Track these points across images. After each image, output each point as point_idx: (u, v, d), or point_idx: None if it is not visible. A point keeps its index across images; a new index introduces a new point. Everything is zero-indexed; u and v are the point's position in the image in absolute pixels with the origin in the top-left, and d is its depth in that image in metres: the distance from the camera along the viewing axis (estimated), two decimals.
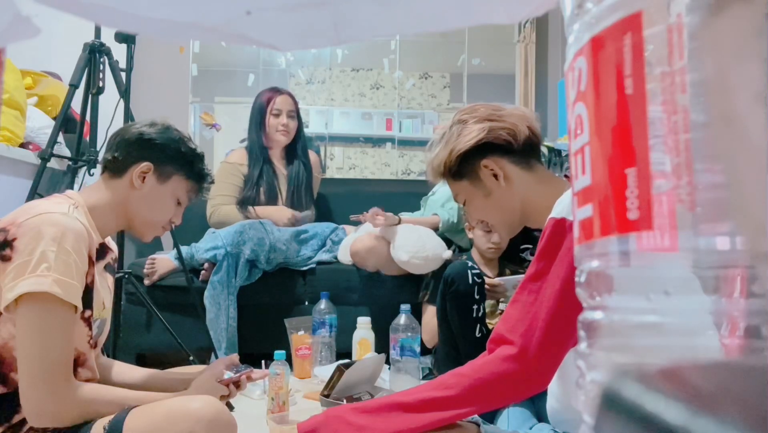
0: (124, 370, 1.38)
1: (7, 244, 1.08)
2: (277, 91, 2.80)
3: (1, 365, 1.11)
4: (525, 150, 1.19)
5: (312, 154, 2.95)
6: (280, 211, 2.68)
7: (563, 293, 0.91)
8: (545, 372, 0.95)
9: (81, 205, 1.22)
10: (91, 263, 1.17)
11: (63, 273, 1.07)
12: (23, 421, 1.11)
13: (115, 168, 1.27)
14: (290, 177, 2.78)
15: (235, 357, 1.39)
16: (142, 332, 2.42)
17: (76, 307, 1.11)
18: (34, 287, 1.05)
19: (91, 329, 1.21)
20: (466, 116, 1.21)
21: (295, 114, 2.79)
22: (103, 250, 1.29)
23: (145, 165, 1.26)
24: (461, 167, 1.21)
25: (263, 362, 1.94)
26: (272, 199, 2.72)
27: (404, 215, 2.66)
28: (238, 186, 2.72)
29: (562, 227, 0.94)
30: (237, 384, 1.30)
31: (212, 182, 1.41)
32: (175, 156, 1.30)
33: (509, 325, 0.95)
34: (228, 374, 1.30)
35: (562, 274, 0.91)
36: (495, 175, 1.19)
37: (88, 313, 1.18)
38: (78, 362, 1.19)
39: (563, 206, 0.95)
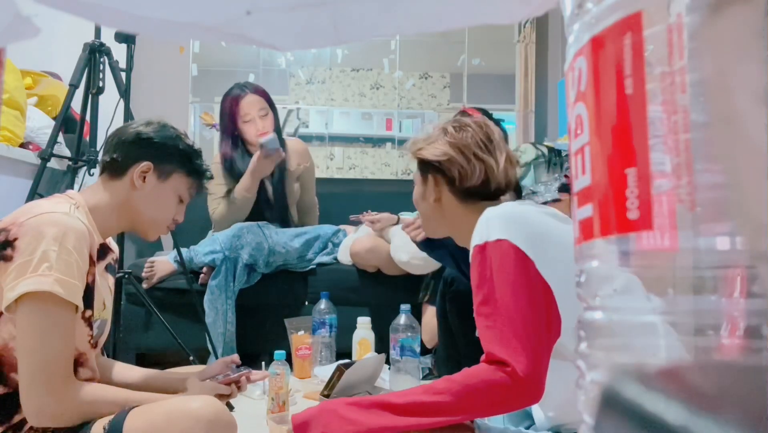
0: (124, 370, 1.38)
1: (9, 244, 1.08)
2: (241, 90, 2.51)
3: (2, 365, 1.11)
4: (470, 191, 1.24)
5: (297, 143, 2.76)
6: (253, 163, 2.44)
7: (522, 307, 0.98)
8: (538, 382, 0.98)
9: (82, 205, 1.22)
10: (92, 263, 1.17)
11: (64, 273, 1.07)
12: (23, 421, 1.11)
13: (114, 169, 1.27)
14: (273, 178, 2.62)
15: (235, 357, 1.39)
16: (142, 332, 2.42)
17: (76, 307, 1.11)
18: (35, 286, 1.05)
19: (91, 328, 1.21)
20: (451, 129, 1.26)
21: (268, 109, 2.52)
22: (104, 250, 1.29)
23: (144, 165, 1.26)
24: (419, 162, 1.30)
25: (263, 363, 1.94)
26: (258, 204, 2.60)
27: (404, 215, 2.65)
28: (230, 187, 2.64)
29: (484, 250, 1.04)
30: (237, 384, 1.30)
31: (211, 177, 1.41)
32: (174, 153, 1.30)
33: (489, 344, 1.00)
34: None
35: (509, 292, 0.99)
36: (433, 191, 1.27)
37: (88, 313, 1.18)
38: (78, 362, 1.19)
39: (480, 233, 1.06)
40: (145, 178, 1.27)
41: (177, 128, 1.34)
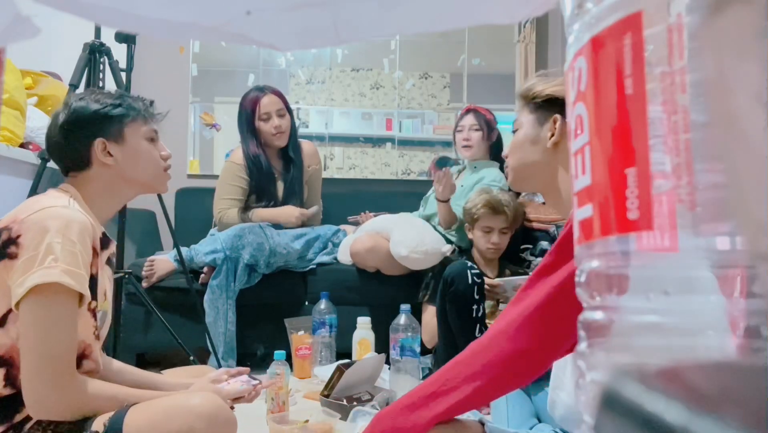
0: (124, 370, 1.38)
1: (12, 241, 1.08)
2: (260, 91, 2.67)
3: (12, 367, 1.11)
4: None
5: (308, 145, 2.87)
6: (287, 211, 2.64)
7: (563, 287, 0.88)
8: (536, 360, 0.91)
9: (77, 197, 1.21)
10: (95, 254, 1.17)
11: (70, 263, 1.07)
12: (24, 420, 1.11)
13: (77, 166, 1.25)
14: (285, 180, 2.73)
15: (244, 370, 1.39)
16: (142, 332, 2.42)
17: (81, 297, 1.11)
18: (43, 278, 1.05)
19: (96, 320, 1.20)
20: None
21: (285, 110, 2.68)
22: (106, 240, 1.29)
23: (97, 143, 1.23)
24: (542, 104, 1.17)
25: (265, 360, 1.94)
26: (268, 203, 2.70)
27: (404, 215, 2.67)
28: (243, 188, 2.69)
29: None
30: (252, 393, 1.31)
31: (152, 102, 1.35)
32: (107, 114, 1.25)
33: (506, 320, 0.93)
34: (241, 382, 1.32)
35: (572, 269, 0.89)
36: (552, 135, 1.14)
37: (93, 304, 1.18)
38: (83, 354, 1.18)
39: None
40: (109, 152, 1.24)
41: (74, 94, 1.27)
